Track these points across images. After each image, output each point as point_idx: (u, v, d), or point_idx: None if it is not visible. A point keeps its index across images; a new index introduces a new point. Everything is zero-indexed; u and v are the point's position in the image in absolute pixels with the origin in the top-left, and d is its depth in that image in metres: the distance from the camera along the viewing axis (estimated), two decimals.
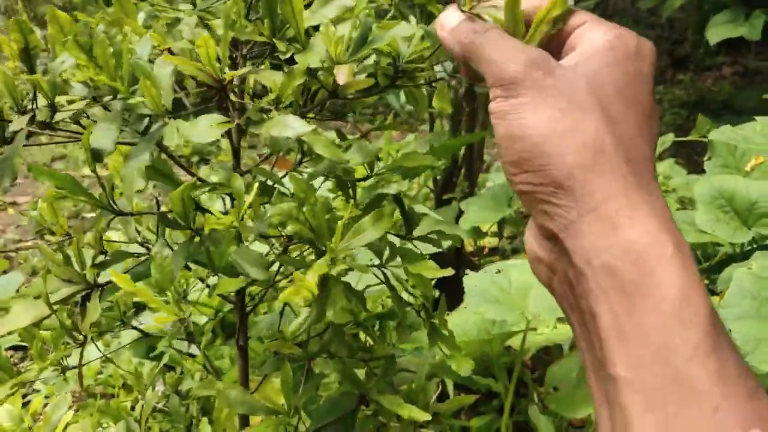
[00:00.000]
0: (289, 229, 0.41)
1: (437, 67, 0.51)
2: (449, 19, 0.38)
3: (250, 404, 0.53)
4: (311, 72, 0.50)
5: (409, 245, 0.52)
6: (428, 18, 0.50)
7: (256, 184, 0.41)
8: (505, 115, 0.34)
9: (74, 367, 0.63)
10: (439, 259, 1.49)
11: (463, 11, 0.38)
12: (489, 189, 1.47)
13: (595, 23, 0.36)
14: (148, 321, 0.79)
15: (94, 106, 0.47)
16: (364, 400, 0.67)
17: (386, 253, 0.49)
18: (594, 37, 0.35)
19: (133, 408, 0.78)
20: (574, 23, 0.36)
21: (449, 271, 0.47)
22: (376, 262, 0.54)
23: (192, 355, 1.03)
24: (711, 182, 1.20)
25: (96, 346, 0.65)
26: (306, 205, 0.42)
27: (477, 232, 1.45)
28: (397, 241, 0.56)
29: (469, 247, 1.69)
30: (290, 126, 0.40)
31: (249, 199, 0.41)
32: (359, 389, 0.58)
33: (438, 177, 1.61)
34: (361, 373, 0.64)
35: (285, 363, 0.52)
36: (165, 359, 0.91)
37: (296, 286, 0.40)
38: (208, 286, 0.66)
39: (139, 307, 0.78)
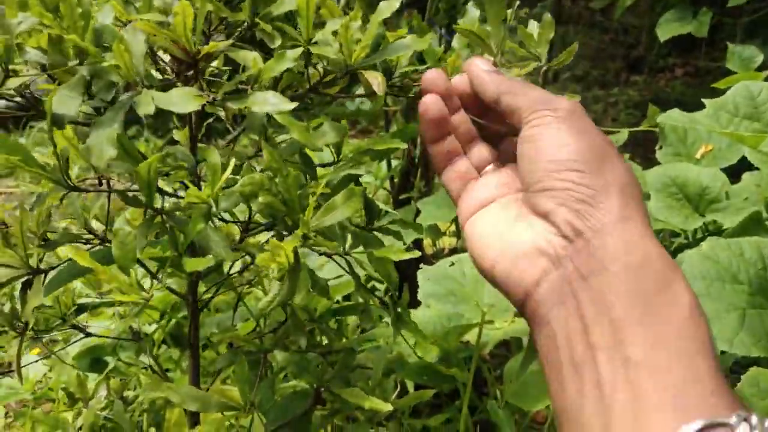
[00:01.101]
0: (261, 200, 0.39)
1: None
2: (484, 63, 0.44)
3: (203, 400, 0.50)
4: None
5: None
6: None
7: (233, 159, 0.39)
8: (564, 121, 0.39)
9: (9, 372, 0.59)
10: (399, 261, 1.48)
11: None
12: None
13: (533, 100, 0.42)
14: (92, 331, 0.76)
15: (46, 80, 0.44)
16: (320, 399, 0.64)
17: (349, 239, 0.48)
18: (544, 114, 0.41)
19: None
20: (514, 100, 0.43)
21: (416, 253, 0.47)
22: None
23: (146, 367, 0.99)
24: (663, 170, 1.21)
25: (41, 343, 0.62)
26: (279, 177, 0.40)
27: (435, 231, 1.44)
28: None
29: (429, 249, 1.68)
30: (270, 102, 0.39)
31: (226, 173, 0.39)
32: (317, 382, 0.56)
33: (395, 178, 1.60)
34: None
35: (240, 356, 0.50)
36: (110, 366, 0.87)
37: (272, 251, 0.39)
38: (169, 288, 0.63)
39: (81, 309, 0.75)
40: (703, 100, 1.02)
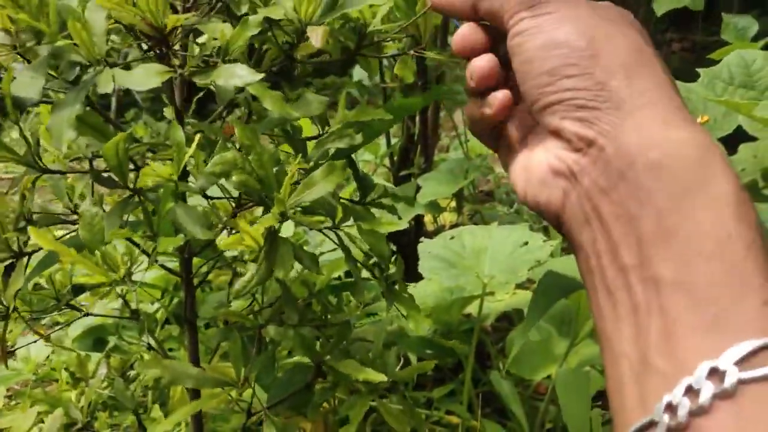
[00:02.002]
0: (235, 179, 0.39)
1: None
2: None
3: (197, 377, 0.50)
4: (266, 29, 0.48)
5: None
6: None
7: (198, 135, 0.38)
8: (541, 27, 0.34)
9: (10, 353, 0.59)
10: (400, 236, 1.49)
11: None
12: (445, 163, 1.46)
13: None
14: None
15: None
16: (321, 372, 0.65)
17: (339, 214, 0.47)
18: None
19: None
20: None
21: (403, 224, 0.46)
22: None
23: (149, 347, 0.99)
24: None
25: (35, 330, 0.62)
26: (252, 154, 0.39)
27: (436, 208, 1.44)
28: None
29: (430, 225, 1.68)
30: (237, 74, 0.38)
31: (190, 150, 0.38)
32: (312, 356, 0.56)
33: (395, 155, 1.59)
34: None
35: (234, 331, 0.50)
36: (111, 344, 0.87)
37: (240, 233, 0.38)
38: (163, 266, 0.62)
39: (78, 289, 0.75)
40: (698, 69, 1.01)
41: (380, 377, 0.54)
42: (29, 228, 0.40)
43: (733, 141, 1.31)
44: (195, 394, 0.62)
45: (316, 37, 0.40)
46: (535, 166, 0.36)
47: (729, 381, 0.25)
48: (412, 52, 0.47)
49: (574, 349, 0.91)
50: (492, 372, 0.92)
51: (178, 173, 0.41)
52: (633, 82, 0.32)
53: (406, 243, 1.50)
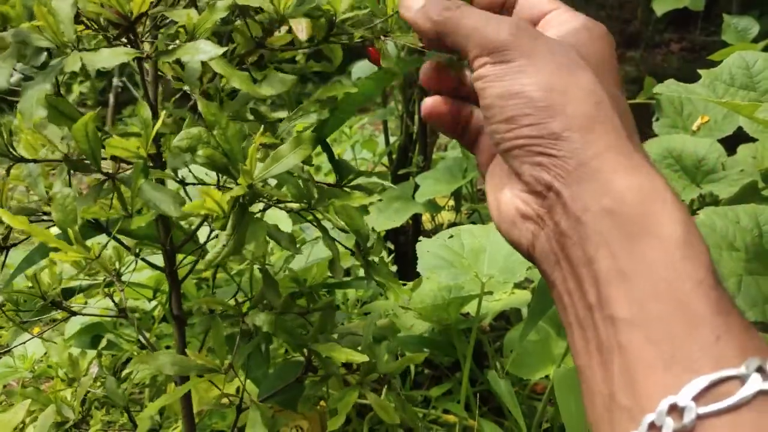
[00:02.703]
0: (200, 154, 0.38)
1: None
2: (414, 0, 0.40)
3: (182, 364, 0.50)
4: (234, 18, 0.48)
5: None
6: None
7: (164, 112, 0.38)
8: (500, 76, 0.35)
9: (5, 352, 0.59)
10: (399, 234, 1.48)
11: None
12: (444, 162, 1.46)
13: (565, 9, 0.39)
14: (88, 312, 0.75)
15: None
16: (312, 367, 0.64)
17: (315, 195, 0.47)
18: (568, 20, 0.38)
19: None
20: (546, 8, 0.39)
21: (375, 198, 0.45)
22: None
23: (143, 347, 0.98)
24: (659, 142, 1.20)
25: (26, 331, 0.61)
26: (216, 129, 0.39)
27: (434, 207, 1.44)
28: None
29: (428, 224, 1.67)
30: (202, 50, 0.38)
31: (156, 125, 0.38)
32: (295, 341, 0.56)
33: (393, 154, 1.59)
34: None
35: (216, 318, 0.49)
36: (103, 343, 0.87)
37: (202, 197, 0.38)
38: (144, 260, 0.62)
39: (69, 292, 0.74)
40: (698, 71, 1.01)
41: (363, 358, 0.53)
42: (1, 211, 0.39)
43: (732, 141, 1.31)
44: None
45: (301, 29, 0.41)
46: (504, 206, 0.38)
47: (688, 417, 0.26)
48: (382, 37, 0.46)
49: None
50: (489, 372, 0.91)
51: (146, 148, 0.40)
52: (586, 134, 0.33)
53: (404, 242, 1.49)
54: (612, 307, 0.30)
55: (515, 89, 0.35)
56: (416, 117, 1.48)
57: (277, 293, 0.55)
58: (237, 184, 0.38)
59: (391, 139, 1.64)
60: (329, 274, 0.62)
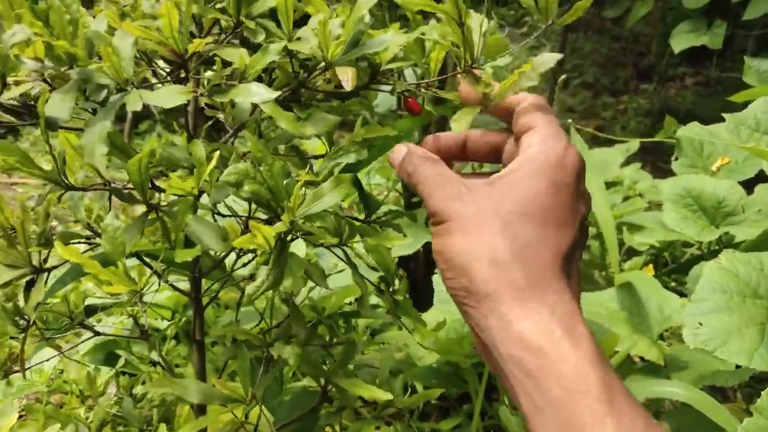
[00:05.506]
0: (246, 189, 0.40)
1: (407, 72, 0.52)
2: (398, 153, 0.47)
3: (205, 392, 0.50)
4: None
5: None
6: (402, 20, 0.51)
7: (218, 152, 0.39)
8: (437, 236, 0.42)
9: (18, 371, 0.59)
10: (409, 261, 1.47)
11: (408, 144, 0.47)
12: None
13: (540, 127, 0.43)
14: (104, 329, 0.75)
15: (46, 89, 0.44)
16: (327, 397, 0.64)
17: (346, 231, 0.48)
18: (528, 145, 0.43)
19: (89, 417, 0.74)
20: (530, 122, 0.44)
21: (408, 239, 0.47)
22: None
23: (154, 363, 0.98)
24: (678, 181, 1.20)
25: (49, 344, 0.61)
26: (263, 165, 0.40)
27: None
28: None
29: None
30: (255, 92, 0.40)
31: (210, 165, 0.39)
32: (318, 373, 0.56)
33: None
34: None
35: (242, 348, 0.49)
36: (120, 362, 0.87)
37: (252, 232, 0.39)
38: (167, 281, 0.63)
39: (91, 310, 0.74)
40: (723, 114, 1.01)
41: (386, 396, 0.55)
42: (56, 242, 0.41)
43: (751, 182, 1.31)
44: (201, 411, 0.62)
45: (347, 79, 0.42)
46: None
47: None
48: (422, 89, 0.48)
49: None
50: (501, 407, 0.91)
51: (199, 186, 0.42)
52: (484, 290, 0.39)
53: (415, 269, 1.49)
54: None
55: (443, 250, 0.42)
56: None
57: (304, 325, 0.56)
58: (278, 219, 0.39)
59: None
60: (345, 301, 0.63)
